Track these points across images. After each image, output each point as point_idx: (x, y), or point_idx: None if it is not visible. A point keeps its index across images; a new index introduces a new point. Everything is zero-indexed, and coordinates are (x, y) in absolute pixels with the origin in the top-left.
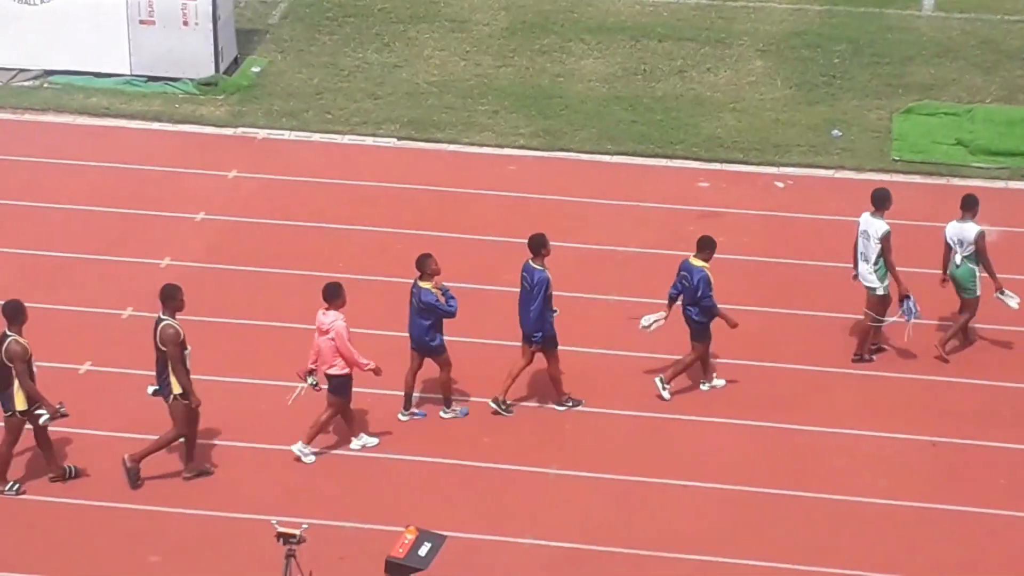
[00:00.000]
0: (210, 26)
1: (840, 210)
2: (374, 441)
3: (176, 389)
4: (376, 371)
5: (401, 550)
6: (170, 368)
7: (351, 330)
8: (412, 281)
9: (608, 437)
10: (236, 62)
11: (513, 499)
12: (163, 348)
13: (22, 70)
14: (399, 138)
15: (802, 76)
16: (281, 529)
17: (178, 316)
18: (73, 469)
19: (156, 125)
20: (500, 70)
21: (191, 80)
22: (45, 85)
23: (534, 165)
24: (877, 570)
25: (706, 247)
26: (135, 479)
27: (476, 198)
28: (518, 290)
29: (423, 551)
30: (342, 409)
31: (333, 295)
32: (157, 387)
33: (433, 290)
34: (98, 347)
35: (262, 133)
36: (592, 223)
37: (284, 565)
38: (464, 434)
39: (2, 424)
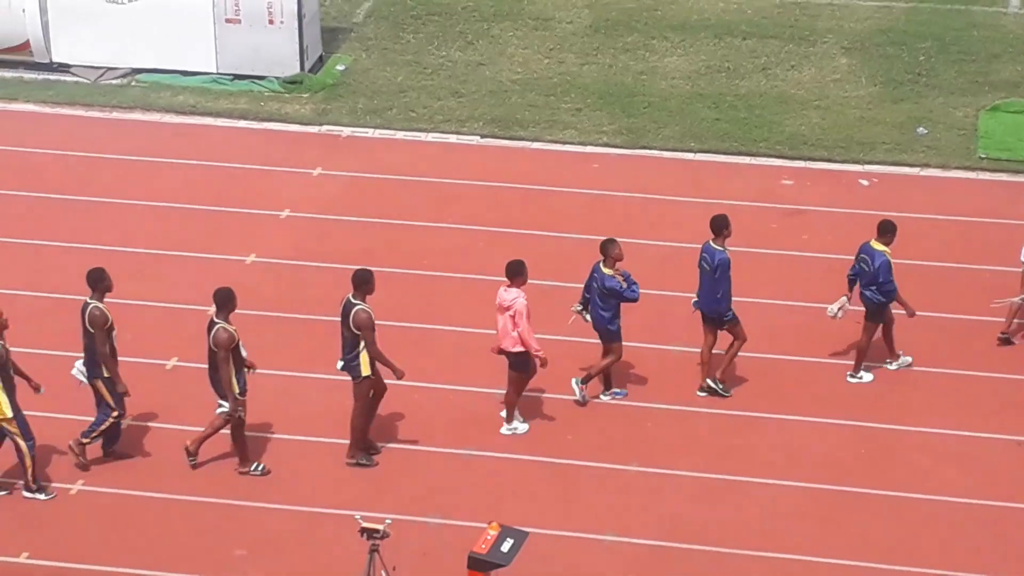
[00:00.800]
0: (295, 24)
1: (925, 208)
2: (525, 428)
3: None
4: (544, 361)
5: (484, 546)
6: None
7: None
8: (593, 265)
9: (690, 434)
10: (321, 60)
11: (595, 496)
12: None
13: (110, 68)
14: (482, 136)
15: (887, 73)
16: (365, 524)
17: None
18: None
19: (242, 123)
20: (583, 68)
21: (276, 78)
22: (132, 83)
23: (617, 163)
24: (961, 569)
25: (887, 231)
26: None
27: (559, 196)
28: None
29: (506, 547)
30: (524, 385)
31: (516, 272)
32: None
33: (615, 276)
34: (185, 343)
35: (346, 131)
36: (675, 221)
37: (368, 560)
38: (547, 431)
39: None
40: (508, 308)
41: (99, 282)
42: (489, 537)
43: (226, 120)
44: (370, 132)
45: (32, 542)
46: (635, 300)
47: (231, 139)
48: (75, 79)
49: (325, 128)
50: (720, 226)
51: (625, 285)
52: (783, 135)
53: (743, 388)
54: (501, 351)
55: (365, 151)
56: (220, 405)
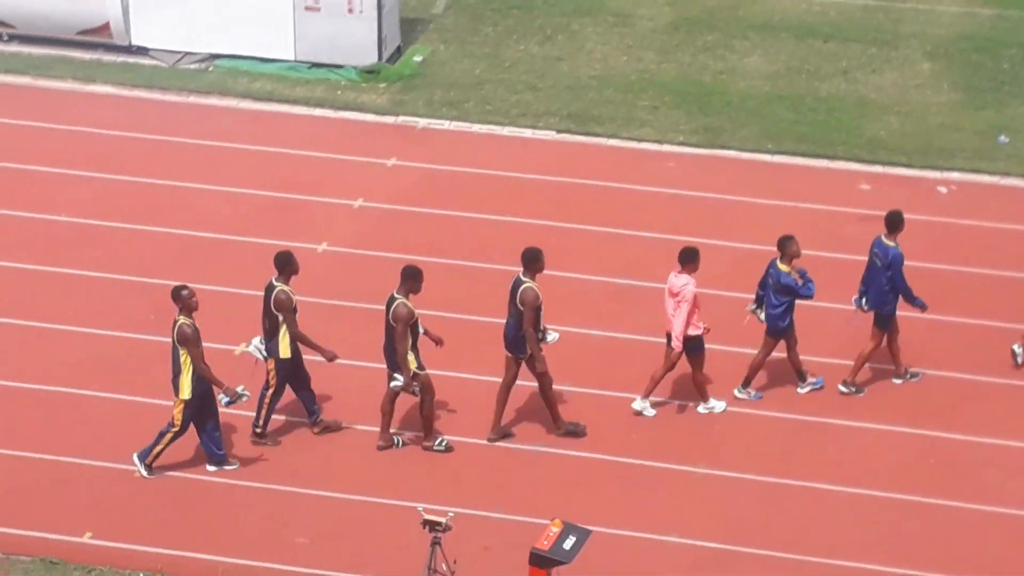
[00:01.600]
0: (375, 14)
1: (1005, 217)
2: (722, 405)
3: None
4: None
5: (546, 542)
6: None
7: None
8: (770, 261)
9: (757, 437)
10: (399, 51)
11: (659, 496)
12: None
13: (188, 53)
14: (558, 131)
15: (970, 80)
16: (428, 516)
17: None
18: (399, 440)
19: (318, 111)
20: (662, 65)
21: (354, 67)
22: (210, 69)
23: (693, 162)
24: None
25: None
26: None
27: (634, 194)
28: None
29: (568, 544)
30: (703, 363)
31: (689, 258)
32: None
33: (792, 273)
34: (255, 330)
35: (422, 122)
36: (751, 222)
37: (429, 552)
38: (612, 430)
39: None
40: (677, 294)
41: (286, 265)
42: (552, 534)
43: (303, 108)
44: (446, 124)
45: (96, 523)
46: (810, 297)
47: (307, 127)
48: (153, 62)
49: (401, 119)
50: (896, 222)
51: (801, 282)
52: (862, 139)
53: (814, 393)
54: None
55: (440, 143)
56: (393, 379)
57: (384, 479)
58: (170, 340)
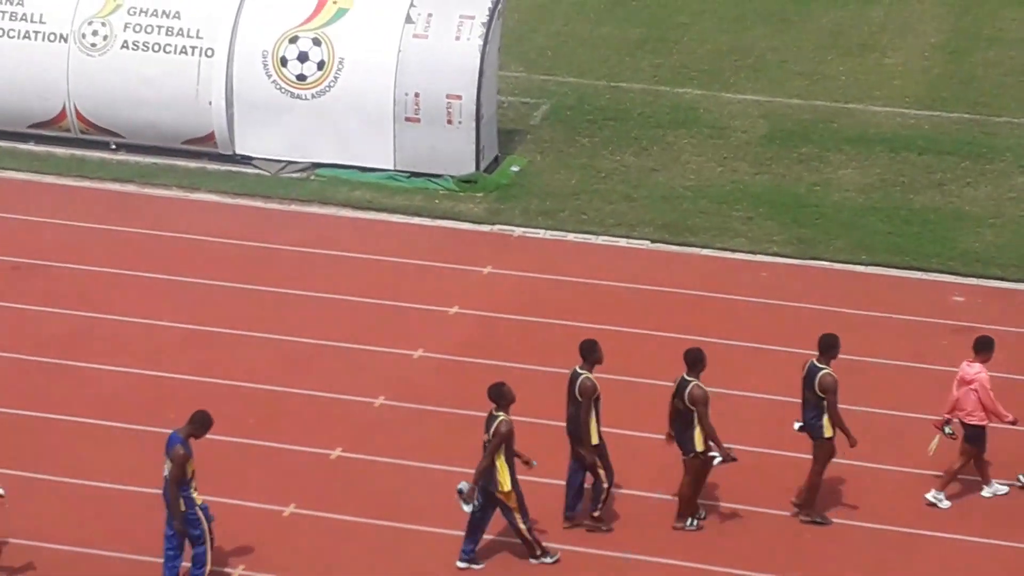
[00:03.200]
0: (473, 125)
1: None
2: (1004, 490)
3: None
4: (1014, 422)
5: None
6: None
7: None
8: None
9: (852, 549)
10: (496, 161)
11: None
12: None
13: (291, 162)
14: (652, 240)
15: None
16: None
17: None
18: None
19: (416, 220)
20: (756, 177)
21: (452, 177)
22: (312, 177)
23: (787, 272)
24: None
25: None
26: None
27: (728, 303)
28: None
29: None
30: (976, 457)
31: (983, 348)
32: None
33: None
34: (349, 434)
35: (518, 231)
36: (845, 332)
37: None
38: (701, 536)
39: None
40: (970, 382)
41: (591, 353)
42: None
43: (401, 216)
44: (541, 233)
45: (248, 557)
46: None
47: (405, 235)
48: (256, 171)
49: (497, 227)
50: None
51: None
52: (956, 251)
53: (905, 503)
54: (953, 421)
55: (536, 252)
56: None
57: None
58: None
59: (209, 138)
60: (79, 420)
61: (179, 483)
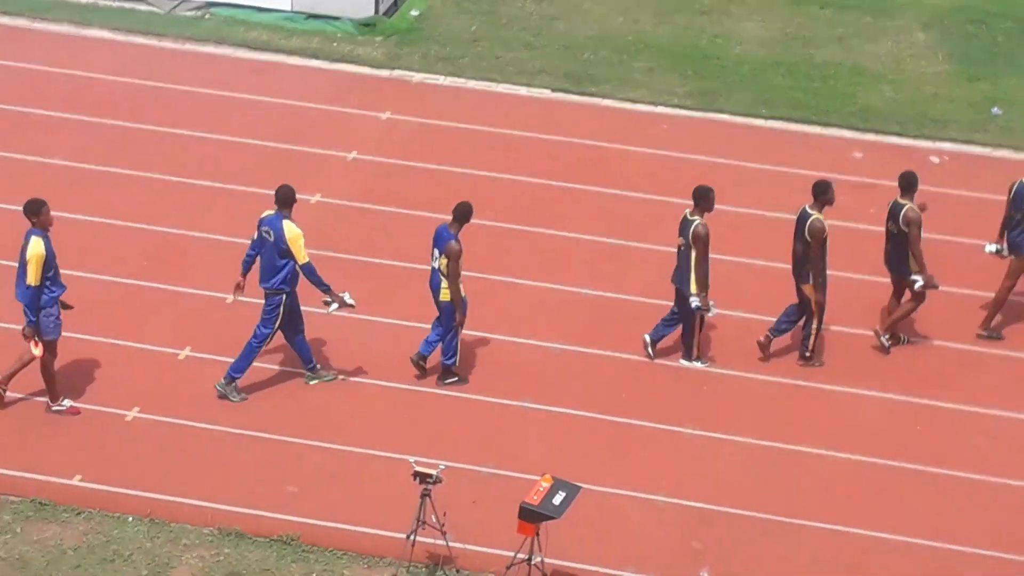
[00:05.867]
0: None
1: (995, 188)
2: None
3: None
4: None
5: (536, 497)
6: None
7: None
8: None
9: (748, 400)
10: (396, 4)
11: (649, 455)
12: None
13: (185, 0)
14: (553, 90)
15: (964, 52)
16: (419, 468)
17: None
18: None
19: (313, 63)
20: (658, 28)
21: (350, 20)
22: (207, 16)
23: (687, 124)
24: (1012, 551)
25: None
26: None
27: (627, 154)
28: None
29: (557, 500)
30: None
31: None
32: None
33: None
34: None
35: (417, 76)
36: (744, 186)
37: (419, 504)
38: (603, 388)
39: None
40: None
41: (823, 193)
42: (541, 489)
43: (298, 59)
44: (441, 79)
45: (86, 465)
46: None
47: (302, 78)
48: (149, 8)
49: (396, 73)
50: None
51: None
52: (855, 107)
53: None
54: None
55: (435, 98)
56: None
57: (376, 431)
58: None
59: None
60: None
61: None
